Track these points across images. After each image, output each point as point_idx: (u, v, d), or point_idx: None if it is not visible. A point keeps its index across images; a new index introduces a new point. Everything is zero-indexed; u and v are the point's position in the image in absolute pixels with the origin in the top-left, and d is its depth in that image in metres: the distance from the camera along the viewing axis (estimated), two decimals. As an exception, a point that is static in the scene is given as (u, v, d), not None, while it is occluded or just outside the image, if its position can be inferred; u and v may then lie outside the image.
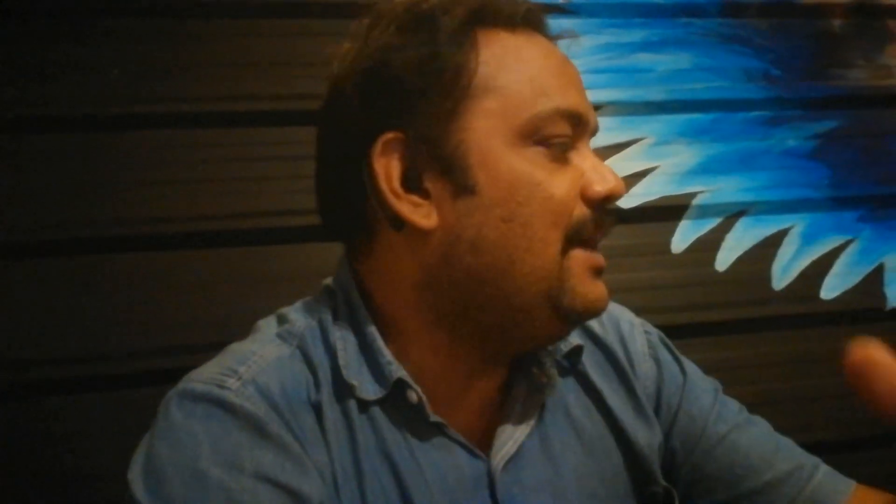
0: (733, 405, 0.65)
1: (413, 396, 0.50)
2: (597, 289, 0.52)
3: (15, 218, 0.93)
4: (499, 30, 0.51)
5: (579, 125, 0.51)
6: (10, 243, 0.93)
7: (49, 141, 0.95)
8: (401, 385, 0.50)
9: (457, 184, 0.50)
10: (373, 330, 0.52)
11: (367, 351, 0.52)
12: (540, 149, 0.50)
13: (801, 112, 1.21)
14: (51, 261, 0.93)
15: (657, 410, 0.62)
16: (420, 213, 0.50)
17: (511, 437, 0.53)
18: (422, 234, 0.50)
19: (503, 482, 0.52)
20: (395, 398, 0.51)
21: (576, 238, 0.50)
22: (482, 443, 0.53)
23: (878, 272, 1.19)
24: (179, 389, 0.48)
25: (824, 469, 0.61)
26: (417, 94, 0.50)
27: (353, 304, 0.53)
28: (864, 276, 1.18)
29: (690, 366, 0.66)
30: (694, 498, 0.61)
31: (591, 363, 0.61)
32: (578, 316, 0.51)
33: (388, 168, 0.50)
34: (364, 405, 0.50)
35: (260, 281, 0.97)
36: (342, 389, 0.50)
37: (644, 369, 0.63)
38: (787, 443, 0.63)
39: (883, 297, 1.18)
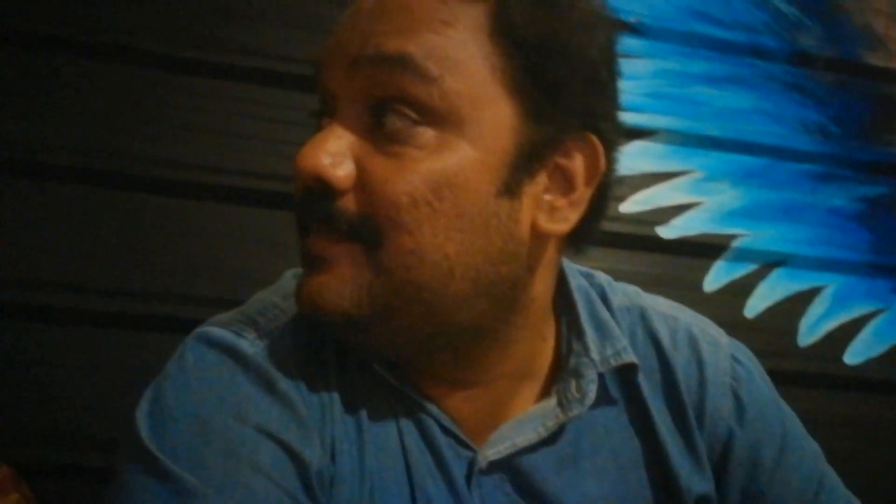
0: (835, 479, 0.54)
1: (375, 367, 0.47)
2: (302, 280, 0.44)
3: (40, 138, 0.92)
4: None
5: (326, 95, 0.44)
6: (32, 162, 0.92)
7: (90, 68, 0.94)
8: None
9: None
10: None
11: None
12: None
13: (853, 173, 1.19)
14: (72, 186, 0.92)
15: (726, 460, 0.52)
16: None
17: (509, 438, 0.48)
18: None
19: (489, 479, 0.48)
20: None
21: (301, 226, 0.45)
22: (482, 432, 0.49)
23: (905, 346, 1.16)
24: (197, 333, 0.47)
25: None
26: None
27: None
28: (890, 346, 1.16)
29: (790, 416, 0.55)
30: None
31: (650, 384, 0.52)
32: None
33: None
34: (372, 373, 0.48)
35: (277, 244, 0.95)
36: (353, 356, 0.48)
37: (717, 404, 0.52)
38: None
39: (907, 371, 1.16)
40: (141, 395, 0.45)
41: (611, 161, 0.47)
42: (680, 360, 0.53)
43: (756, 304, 1.12)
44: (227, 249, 0.95)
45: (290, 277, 0.53)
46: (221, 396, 0.43)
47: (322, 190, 0.42)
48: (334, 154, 0.42)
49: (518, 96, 0.43)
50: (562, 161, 0.45)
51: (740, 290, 1.11)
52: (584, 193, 0.45)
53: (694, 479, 0.51)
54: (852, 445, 1.11)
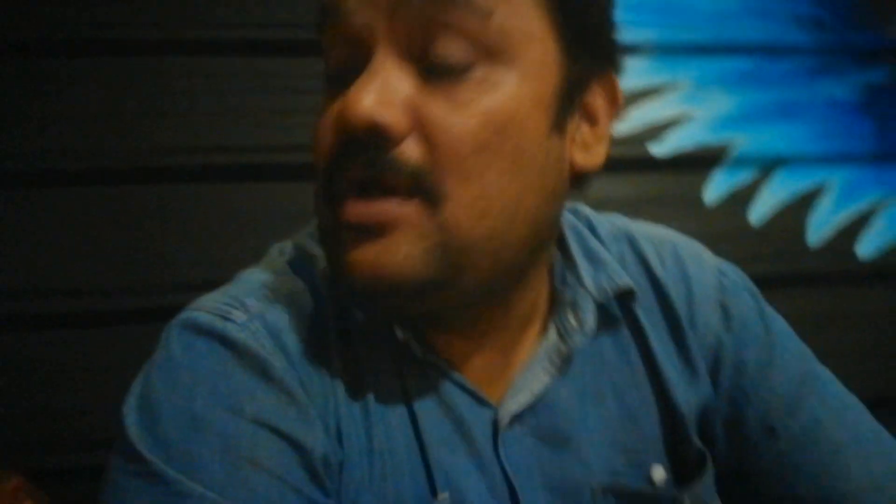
0: (828, 377, 0.54)
1: (398, 333, 0.45)
2: (348, 249, 0.40)
3: (20, 146, 0.90)
4: None
5: (352, 46, 0.40)
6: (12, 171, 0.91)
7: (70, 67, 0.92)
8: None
9: None
10: None
11: None
12: (327, 75, 0.43)
13: (851, 61, 1.15)
14: (57, 190, 0.91)
15: (717, 367, 0.53)
16: None
17: (526, 387, 0.48)
18: None
19: (510, 435, 0.47)
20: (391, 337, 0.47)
21: (334, 192, 0.41)
22: (497, 389, 0.48)
23: (919, 232, 1.14)
24: (182, 319, 0.44)
25: None
26: None
27: None
28: (904, 234, 1.13)
29: (779, 321, 0.55)
30: (760, 483, 0.51)
31: (645, 306, 0.52)
32: (352, 294, 0.42)
33: None
34: (377, 348, 0.46)
35: (277, 218, 0.94)
36: (348, 328, 0.46)
37: (707, 317, 0.53)
38: (883, 433, 0.51)
39: (922, 257, 1.14)
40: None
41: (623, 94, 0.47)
42: (669, 279, 0.53)
43: (761, 211, 1.10)
44: (230, 229, 0.94)
45: (276, 254, 0.51)
46: (213, 388, 0.41)
47: (373, 141, 0.38)
48: (387, 98, 0.38)
49: (560, 32, 0.42)
50: (588, 98, 0.45)
51: (743, 198, 1.09)
52: (607, 128, 0.46)
53: (692, 393, 0.52)
54: (874, 338, 1.10)
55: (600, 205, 0.59)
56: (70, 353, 0.90)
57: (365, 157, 0.39)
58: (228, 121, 0.94)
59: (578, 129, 0.45)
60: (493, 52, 0.39)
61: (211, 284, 0.48)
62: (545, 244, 0.46)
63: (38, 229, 0.91)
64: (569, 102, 0.43)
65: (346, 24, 0.40)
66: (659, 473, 0.50)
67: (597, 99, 0.45)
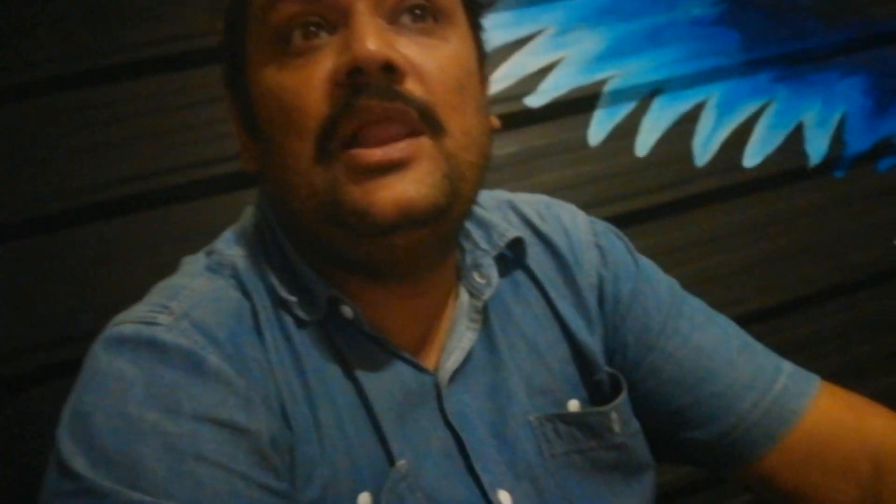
0: (695, 302, 0.61)
1: (347, 312, 0.48)
2: (367, 192, 0.43)
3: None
4: None
5: (317, 5, 0.44)
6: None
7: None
8: (334, 302, 0.49)
9: (252, 124, 0.49)
10: (296, 254, 0.50)
11: (297, 274, 0.50)
12: (282, 47, 0.45)
13: (704, -23, 1.15)
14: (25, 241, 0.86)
15: (601, 301, 0.59)
16: (243, 158, 0.51)
17: (457, 347, 0.52)
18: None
19: (451, 394, 0.50)
20: (333, 317, 0.49)
21: (335, 139, 0.44)
22: (430, 355, 0.52)
23: (798, 131, 1.17)
24: (105, 335, 0.44)
25: (789, 369, 0.58)
26: (231, 30, 0.49)
27: (273, 229, 0.52)
28: (785, 137, 1.16)
29: (645, 259, 0.63)
30: (648, 401, 0.58)
31: (534, 257, 0.58)
32: (362, 228, 0.44)
33: (230, 107, 0.52)
34: (304, 326, 0.48)
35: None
36: (281, 313, 0.48)
37: (588, 258, 0.60)
38: (749, 341, 0.59)
39: (805, 156, 1.17)
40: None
41: None
42: (551, 231, 0.60)
43: (645, 141, 1.10)
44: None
45: (187, 264, 0.52)
46: (147, 390, 0.41)
47: (388, 77, 0.43)
48: (389, 42, 0.43)
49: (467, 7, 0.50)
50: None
51: (626, 132, 1.09)
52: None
53: (591, 327, 0.58)
54: (768, 247, 1.14)
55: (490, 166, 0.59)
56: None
57: (381, 92, 0.42)
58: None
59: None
60: (441, 15, 0.47)
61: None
62: (480, 187, 0.50)
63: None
64: (483, 60, 0.51)
65: None
66: (574, 406, 0.55)
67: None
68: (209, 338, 0.44)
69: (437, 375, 0.51)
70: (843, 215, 1.17)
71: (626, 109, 1.10)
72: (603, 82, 1.08)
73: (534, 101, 1.05)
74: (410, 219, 0.43)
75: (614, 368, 0.58)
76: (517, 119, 1.04)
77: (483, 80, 0.51)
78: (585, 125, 1.07)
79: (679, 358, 0.57)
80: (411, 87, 0.44)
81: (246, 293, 0.48)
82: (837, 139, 1.18)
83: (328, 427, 0.46)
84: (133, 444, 0.39)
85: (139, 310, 0.46)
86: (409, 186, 0.43)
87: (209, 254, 0.52)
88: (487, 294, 0.53)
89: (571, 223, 0.61)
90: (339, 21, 0.44)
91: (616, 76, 1.09)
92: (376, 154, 0.43)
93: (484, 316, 0.54)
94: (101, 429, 0.39)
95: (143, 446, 0.39)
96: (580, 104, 1.07)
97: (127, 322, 0.44)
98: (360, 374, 0.48)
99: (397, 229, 0.44)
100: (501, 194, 0.64)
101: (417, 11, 0.45)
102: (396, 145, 0.43)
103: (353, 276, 0.50)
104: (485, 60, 0.52)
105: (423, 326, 0.52)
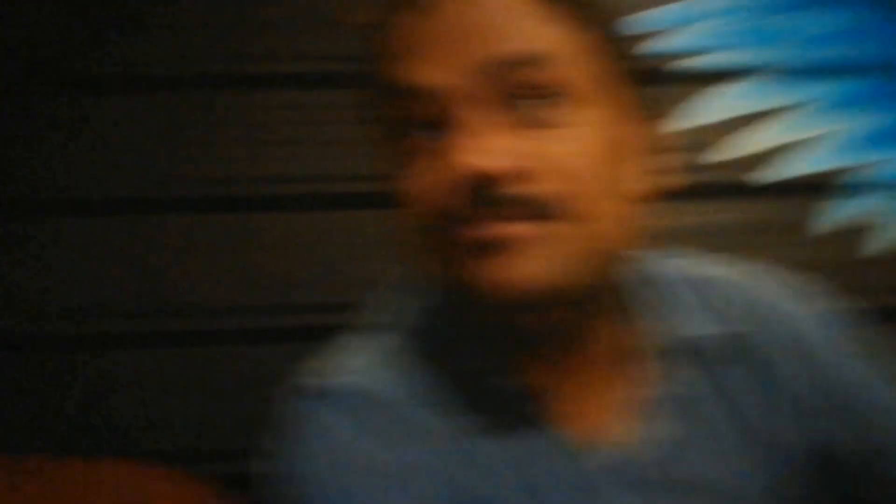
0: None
1: (512, 387, 0.49)
2: (481, 269, 0.42)
3: (108, 175, 0.96)
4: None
5: (434, 100, 0.43)
6: (107, 200, 0.96)
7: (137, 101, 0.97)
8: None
9: None
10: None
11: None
12: (402, 141, 0.45)
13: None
14: (152, 218, 0.97)
15: (806, 409, 0.53)
16: None
17: (616, 436, 0.50)
18: None
19: (601, 483, 0.49)
20: (497, 395, 0.49)
21: (449, 223, 0.43)
22: (590, 440, 0.50)
23: None
24: (291, 388, 0.50)
25: None
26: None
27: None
28: None
29: (849, 344, 0.56)
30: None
31: (721, 352, 0.52)
32: (485, 304, 0.43)
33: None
34: (478, 399, 0.49)
35: (355, 245, 0.97)
36: (444, 385, 0.50)
37: (789, 362, 0.53)
38: None
39: None
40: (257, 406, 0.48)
41: None
42: (741, 321, 0.53)
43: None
44: (335, 255, 0.97)
45: (372, 318, 0.54)
46: (327, 447, 0.47)
47: (492, 185, 0.41)
48: (496, 148, 0.41)
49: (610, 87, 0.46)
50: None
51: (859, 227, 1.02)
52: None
53: (780, 430, 0.52)
54: None
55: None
56: (187, 371, 0.96)
57: (492, 200, 0.41)
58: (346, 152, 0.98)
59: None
60: (565, 93, 0.43)
61: (324, 307, 0.53)
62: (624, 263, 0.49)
63: (164, 250, 0.97)
64: (636, 133, 0.48)
65: (419, 80, 0.43)
66: None
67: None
68: (382, 401, 0.49)
69: (601, 459, 0.50)
70: None
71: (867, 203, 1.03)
72: (847, 170, 1.03)
73: (767, 174, 1.02)
74: (521, 297, 0.42)
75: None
76: (743, 190, 1.01)
77: (631, 155, 0.47)
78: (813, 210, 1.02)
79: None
80: (527, 185, 0.42)
81: (416, 360, 0.51)
82: None
83: (486, 499, 0.48)
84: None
85: (321, 366, 0.52)
86: (517, 265, 0.42)
87: (393, 312, 0.55)
88: (658, 388, 0.51)
89: (769, 315, 0.54)
90: (444, 121, 0.43)
91: (864, 166, 1.03)
92: (488, 231, 0.42)
93: (658, 408, 0.51)
94: (292, 484, 0.47)
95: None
96: (815, 187, 1.02)
97: (311, 376, 0.51)
98: (525, 451, 0.49)
99: (528, 304, 0.43)
100: (685, 265, 0.57)
101: (535, 92, 0.42)
102: (508, 224, 0.42)
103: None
104: (640, 131, 0.48)
105: (585, 403, 0.51)
